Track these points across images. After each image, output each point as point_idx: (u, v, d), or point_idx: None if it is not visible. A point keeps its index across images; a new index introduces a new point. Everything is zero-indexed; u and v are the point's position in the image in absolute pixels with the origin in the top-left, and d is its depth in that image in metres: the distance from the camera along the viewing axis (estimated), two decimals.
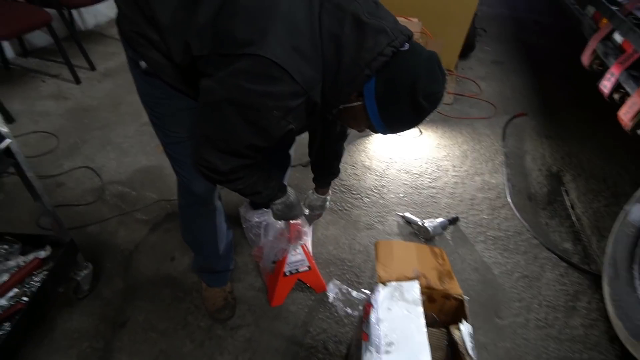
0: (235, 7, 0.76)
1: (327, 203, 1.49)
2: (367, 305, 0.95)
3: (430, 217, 1.83)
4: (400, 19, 2.46)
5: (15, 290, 1.11)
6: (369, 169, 2.14)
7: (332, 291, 1.28)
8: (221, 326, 1.35)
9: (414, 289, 0.95)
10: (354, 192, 1.97)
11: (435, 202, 1.97)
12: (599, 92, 1.87)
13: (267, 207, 1.17)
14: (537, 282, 1.64)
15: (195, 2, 0.79)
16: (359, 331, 1.03)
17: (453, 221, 1.84)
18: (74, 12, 3.04)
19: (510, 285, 1.62)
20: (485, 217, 1.93)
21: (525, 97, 3.02)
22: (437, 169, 2.19)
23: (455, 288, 1.01)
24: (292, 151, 1.44)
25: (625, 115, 1.58)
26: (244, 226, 1.58)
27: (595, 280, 1.65)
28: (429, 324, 0.94)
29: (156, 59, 0.87)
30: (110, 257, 1.53)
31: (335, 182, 2.01)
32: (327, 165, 1.36)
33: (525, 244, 1.80)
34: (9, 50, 2.65)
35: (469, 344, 0.90)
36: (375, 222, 1.82)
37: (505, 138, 2.50)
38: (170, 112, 0.98)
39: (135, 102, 1.03)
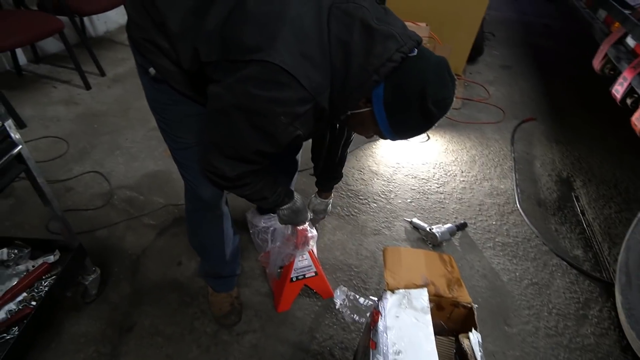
0: (243, 13, 0.76)
1: (330, 207, 1.49)
2: (375, 313, 0.94)
3: (438, 223, 1.81)
4: (408, 24, 2.46)
5: (24, 294, 1.12)
6: (376, 173, 2.13)
7: (339, 297, 1.26)
8: (227, 331, 1.35)
9: (422, 297, 0.94)
10: (361, 197, 1.96)
11: (443, 207, 1.96)
12: (609, 97, 1.85)
13: (273, 212, 1.17)
14: (546, 289, 1.61)
15: (205, 9, 0.79)
16: (366, 338, 1.02)
17: (461, 227, 1.82)
18: (85, 19, 3.09)
19: (519, 292, 1.59)
20: (494, 223, 1.90)
21: (534, 102, 2.99)
22: (445, 174, 2.18)
23: (464, 296, 0.99)
24: (298, 156, 1.44)
25: (639, 120, 1.56)
26: (250, 231, 1.59)
27: (606, 288, 1.61)
28: (437, 332, 0.93)
29: (165, 65, 0.87)
30: (118, 262, 1.53)
31: (342, 187, 2.01)
32: (331, 169, 1.35)
33: (535, 251, 1.78)
34: (21, 57, 2.70)
35: (478, 354, 0.89)
36: (383, 227, 1.81)
37: (514, 143, 2.48)
38: (178, 118, 0.99)
39: (144, 108, 1.04)
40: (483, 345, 0.92)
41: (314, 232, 1.27)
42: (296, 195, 1.13)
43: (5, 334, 1.03)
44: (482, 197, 2.04)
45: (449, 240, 1.77)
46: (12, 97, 2.35)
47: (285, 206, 1.10)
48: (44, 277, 1.18)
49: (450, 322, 1.04)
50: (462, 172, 2.21)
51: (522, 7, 5.29)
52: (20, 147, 0.94)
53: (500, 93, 3.06)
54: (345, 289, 1.39)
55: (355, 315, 1.30)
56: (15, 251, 1.20)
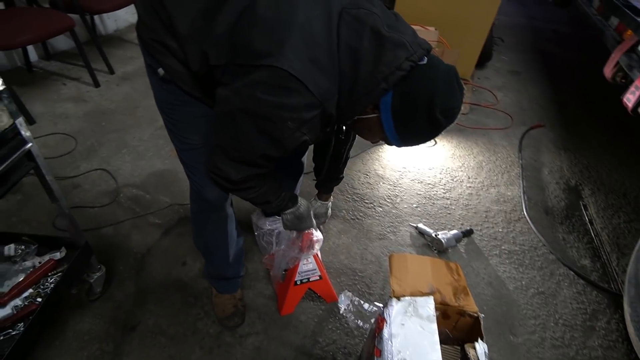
0: (253, 17, 0.76)
1: (330, 210, 1.48)
2: (380, 320, 0.93)
3: (443, 229, 1.80)
4: (417, 28, 2.46)
5: (30, 290, 1.13)
6: (382, 178, 2.12)
7: (344, 302, 1.26)
8: (230, 333, 1.34)
9: (428, 305, 0.93)
10: (366, 201, 1.95)
11: (449, 213, 1.94)
12: (620, 105, 1.83)
13: (278, 215, 1.16)
14: (553, 299, 1.59)
15: (214, 12, 0.79)
16: (370, 345, 1.01)
17: (467, 234, 1.80)
18: (96, 17, 3.11)
19: (525, 301, 1.57)
20: (500, 230, 1.89)
21: (543, 108, 2.96)
22: (452, 180, 2.16)
23: (470, 305, 0.98)
24: (304, 159, 1.44)
25: None
26: (255, 233, 1.58)
27: (615, 299, 1.59)
28: (442, 341, 0.92)
29: (174, 66, 0.88)
30: (123, 260, 1.54)
31: (348, 190, 2.00)
32: (334, 170, 1.35)
33: (542, 259, 1.76)
34: (32, 54, 2.73)
35: None
36: (388, 232, 1.80)
37: (522, 150, 2.46)
38: (185, 119, 0.99)
39: (152, 106, 1.05)
40: (488, 354, 0.91)
41: (320, 235, 1.26)
42: (300, 201, 1.13)
43: (10, 330, 1.04)
44: (488, 204, 2.03)
45: (454, 247, 1.76)
46: (22, 93, 2.38)
47: (288, 211, 1.10)
48: (50, 274, 1.18)
49: (456, 331, 1.03)
50: (469, 178, 2.20)
51: (531, 12, 5.25)
52: (30, 144, 0.94)
53: (508, 99, 3.04)
54: (349, 294, 1.39)
55: (359, 320, 1.29)
56: (22, 247, 1.20)
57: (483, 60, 3.35)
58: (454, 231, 1.76)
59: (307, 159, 1.43)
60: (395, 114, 0.80)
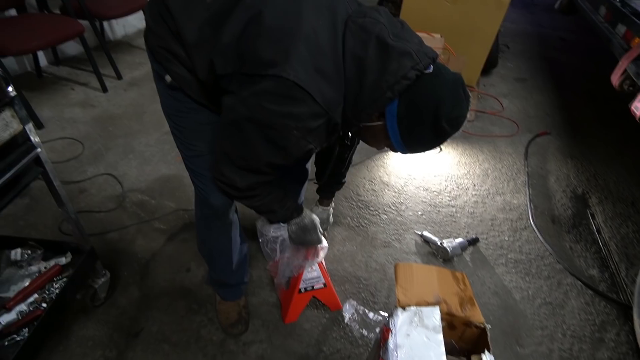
0: (259, 27, 0.76)
1: (331, 217, 1.47)
2: (386, 330, 0.92)
3: (449, 237, 1.79)
4: (423, 35, 2.46)
5: (35, 295, 1.13)
6: (387, 185, 2.11)
7: (348, 311, 1.25)
8: (234, 341, 1.34)
9: (434, 315, 0.92)
10: (371, 208, 1.95)
11: (454, 221, 1.93)
12: (628, 113, 1.81)
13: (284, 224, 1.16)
14: (561, 309, 1.57)
15: (221, 21, 0.80)
16: (375, 355, 1.00)
17: (473, 242, 1.79)
18: (105, 22, 3.15)
19: (532, 311, 1.55)
20: (506, 238, 1.87)
21: (549, 116, 2.95)
22: (457, 187, 2.15)
23: (477, 316, 0.97)
24: (308, 165, 1.44)
25: None
26: (259, 240, 1.57)
27: (624, 310, 1.57)
28: (448, 352, 0.91)
29: (181, 73, 0.88)
30: (128, 266, 1.54)
31: (353, 197, 1.99)
32: (337, 174, 1.34)
33: (549, 269, 1.74)
34: (42, 59, 2.77)
35: None
36: (393, 239, 1.79)
37: (528, 157, 2.44)
38: (192, 126, 0.99)
39: (158, 112, 1.05)
40: None
41: (325, 243, 1.26)
42: (306, 212, 1.12)
43: (15, 335, 1.04)
44: (494, 212, 2.01)
45: (460, 255, 1.74)
46: (31, 97, 2.41)
47: (293, 221, 1.10)
48: (55, 279, 1.18)
49: (462, 341, 1.02)
50: (475, 185, 2.18)
51: (537, 19, 5.25)
52: (39, 150, 0.95)
53: (514, 106, 3.03)
54: (354, 302, 1.38)
55: (363, 329, 1.28)
56: (29, 252, 1.21)
57: (489, 67, 3.35)
58: (460, 239, 1.75)
59: (310, 164, 1.43)
60: (400, 122, 0.80)
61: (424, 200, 2.04)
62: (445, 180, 2.19)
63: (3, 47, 1.95)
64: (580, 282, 1.68)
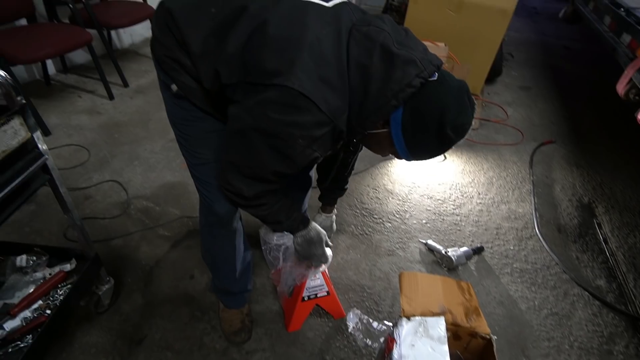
0: (264, 37, 0.77)
1: (335, 224, 1.47)
2: (390, 340, 0.91)
3: (453, 246, 1.77)
4: (427, 44, 2.47)
5: (40, 302, 1.13)
6: (391, 193, 2.11)
7: (352, 320, 1.24)
8: (237, 349, 1.33)
9: (439, 326, 0.91)
10: (375, 216, 1.94)
11: (459, 230, 1.92)
12: (634, 122, 1.80)
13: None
14: (567, 320, 1.55)
15: (226, 31, 0.81)
16: None
17: (477, 251, 1.78)
18: (112, 32, 3.20)
19: (538, 322, 1.53)
20: (512, 248, 1.85)
21: (554, 124, 2.94)
22: (462, 196, 2.14)
23: (482, 326, 0.96)
24: (312, 172, 1.44)
25: None
26: (262, 247, 1.58)
27: (633, 322, 1.54)
28: None
29: (187, 82, 0.89)
30: (131, 272, 1.54)
31: (357, 205, 1.99)
32: (340, 180, 1.34)
33: (555, 279, 1.72)
34: (50, 67, 2.81)
35: None
36: (397, 248, 1.78)
37: (533, 166, 2.43)
38: (197, 134, 1.00)
39: (164, 119, 1.06)
40: None
41: (329, 252, 1.25)
42: (312, 225, 1.12)
43: (19, 342, 1.04)
44: (499, 221, 2.00)
45: (464, 264, 1.73)
46: (39, 105, 2.44)
47: (299, 234, 1.10)
48: (59, 286, 1.19)
49: (467, 352, 1.01)
50: (479, 194, 2.17)
51: (541, 28, 5.26)
52: (46, 157, 0.96)
53: (518, 114, 3.02)
54: (358, 312, 1.37)
55: (367, 339, 1.27)
56: (34, 258, 1.21)
57: (493, 76, 3.35)
58: (464, 248, 1.73)
59: (313, 171, 1.43)
60: (405, 130, 0.80)
61: (429, 208, 2.03)
62: (450, 189, 2.18)
63: (13, 55, 1.98)
64: (587, 293, 1.66)
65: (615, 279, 1.73)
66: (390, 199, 2.07)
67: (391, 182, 2.18)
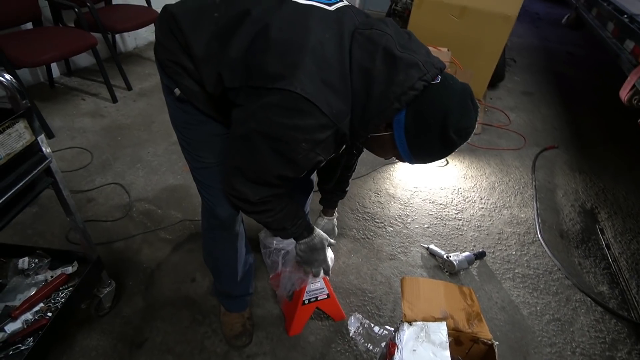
0: (266, 41, 0.78)
1: (336, 228, 1.47)
2: (392, 345, 0.91)
3: (455, 251, 1.77)
4: (430, 49, 2.48)
5: (41, 304, 1.13)
6: (393, 197, 2.11)
7: (354, 325, 1.24)
8: (237, 353, 1.33)
9: (441, 331, 0.91)
10: (377, 220, 1.94)
11: (461, 234, 1.91)
12: (637, 128, 1.80)
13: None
14: (570, 326, 1.54)
15: (229, 35, 0.81)
16: None
17: (479, 256, 1.77)
18: (117, 35, 3.22)
19: (540, 328, 1.52)
20: (514, 253, 1.85)
21: (557, 130, 2.94)
22: (464, 200, 2.14)
23: (484, 332, 0.96)
24: (313, 175, 1.44)
25: None
26: (262, 251, 1.58)
27: (635, 329, 1.53)
28: None
29: (190, 86, 0.90)
30: (133, 275, 1.54)
31: (358, 209, 1.99)
32: (342, 181, 1.33)
33: (557, 285, 1.71)
34: (55, 70, 2.83)
35: None
36: (398, 252, 1.78)
37: (535, 171, 2.43)
38: (200, 138, 1.00)
39: (167, 122, 1.07)
40: None
41: (330, 254, 1.25)
42: (316, 232, 1.12)
43: (20, 345, 1.04)
44: (501, 226, 1.99)
45: (466, 269, 1.72)
46: (43, 107, 2.45)
47: (303, 241, 1.10)
48: (61, 288, 1.19)
49: (469, 358, 1.00)
50: (481, 198, 2.17)
51: (544, 34, 5.27)
52: (50, 160, 0.97)
53: (521, 119, 3.02)
54: (359, 316, 1.37)
55: (369, 344, 1.27)
56: (36, 260, 1.22)
57: (496, 81, 3.36)
58: (466, 253, 1.73)
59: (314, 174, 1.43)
60: (408, 133, 0.80)
61: (430, 213, 2.03)
62: (452, 193, 2.18)
63: (19, 59, 2.00)
64: (589, 299, 1.65)
65: (617, 285, 1.72)
66: (392, 203, 2.07)
67: (393, 186, 2.18)
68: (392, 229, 1.90)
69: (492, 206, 2.12)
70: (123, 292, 1.47)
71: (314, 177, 1.44)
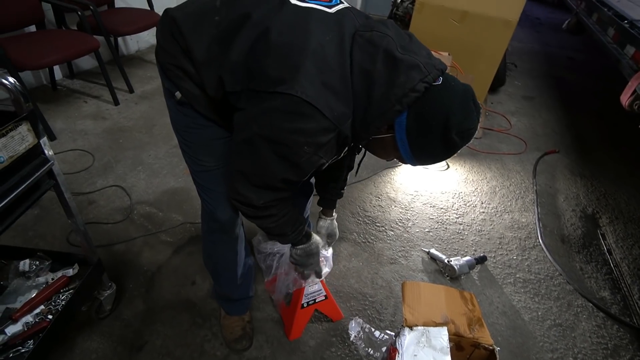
0: (267, 45, 0.78)
1: (337, 229, 1.47)
2: (392, 350, 0.91)
3: (456, 255, 1.77)
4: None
5: (42, 307, 1.13)
6: (394, 201, 2.11)
7: (354, 329, 1.23)
8: (237, 357, 1.32)
9: (442, 336, 0.91)
10: (378, 224, 1.94)
11: (462, 239, 1.91)
12: (637, 133, 1.80)
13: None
14: (571, 332, 1.53)
15: (229, 39, 0.81)
16: None
17: (480, 260, 1.77)
18: (119, 38, 3.24)
19: (541, 333, 1.52)
20: (515, 257, 1.84)
21: (558, 134, 2.94)
22: (465, 205, 2.14)
23: (485, 337, 0.95)
24: (313, 179, 1.44)
25: None
26: (257, 256, 1.58)
27: (637, 335, 1.53)
28: None
29: (191, 90, 0.90)
30: (133, 278, 1.54)
31: (359, 213, 1.99)
32: (340, 178, 1.33)
33: (558, 290, 1.70)
34: (57, 73, 2.84)
35: None
36: (399, 256, 1.78)
37: (536, 175, 2.43)
38: (201, 141, 1.00)
39: (168, 125, 1.07)
40: None
41: (329, 252, 1.25)
42: (314, 239, 1.13)
43: (20, 347, 1.04)
44: (502, 230, 1.99)
45: (467, 274, 1.72)
46: (45, 110, 2.47)
47: (300, 246, 1.10)
48: (62, 291, 1.19)
49: None
50: (482, 203, 2.17)
51: (545, 39, 5.29)
52: (52, 163, 0.97)
53: (522, 124, 3.02)
54: (360, 320, 1.36)
55: (369, 348, 1.26)
56: (37, 263, 1.22)
57: (496, 85, 3.37)
58: (467, 258, 1.73)
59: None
60: (410, 134, 0.80)
61: (431, 217, 2.03)
62: (453, 198, 2.18)
63: (22, 62, 2.01)
64: (591, 304, 1.64)
65: (619, 291, 1.71)
66: (393, 207, 2.06)
67: (394, 190, 2.18)
68: (392, 233, 1.90)
69: (493, 210, 2.12)
70: (123, 295, 1.47)
71: (313, 179, 1.44)
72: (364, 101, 0.79)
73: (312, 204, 1.53)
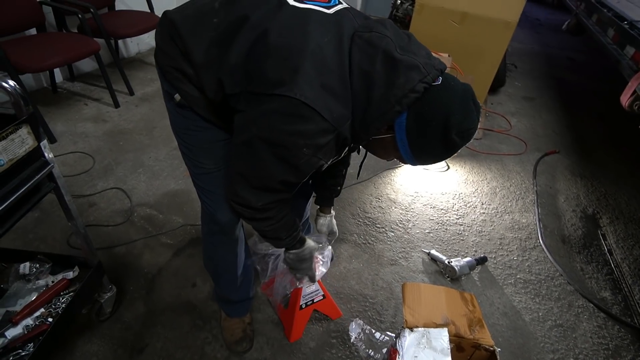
0: (266, 47, 0.78)
1: (336, 227, 1.47)
2: (393, 351, 0.91)
3: (456, 256, 1.77)
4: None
5: (42, 310, 1.13)
6: (394, 202, 2.11)
7: (354, 331, 1.23)
8: (238, 359, 1.32)
9: (442, 337, 0.91)
10: (378, 225, 1.94)
11: (462, 239, 1.91)
12: (637, 133, 1.80)
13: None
14: (572, 332, 1.53)
15: (228, 42, 0.81)
16: None
17: (481, 261, 1.76)
18: (119, 41, 3.24)
19: (542, 334, 1.51)
20: (515, 258, 1.84)
21: (558, 135, 2.94)
22: (465, 205, 2.14)
23: (486, 338, 0.95)
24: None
25: None
26: (252, 259, 1.57)
27: (639, 335, 1.52)
28: None
29: (190, 92, 0.90)
30: (134, 280, 1.54)
31: (360, 214, 1.99)
32: (338, 175, 1.34)
33: (559, 290, 1.70)
34: (58, 75, 2.85)
35: None
36: (400, 257, 1.77)
37: (537, 176, 2.42)
38: (200, 144, 1.01)
39: (168, 127, 1.07)
40: None
41: (328, 251, 1.25)
42: (307, 245, 1.13)
43: (20, 350, 1.04)
44: (502, 231, 1.99)
45: (467, 275, 1.72)
46: (46, 112, 2.47)
47: (293, 251, 1.11)
48: (62, 293, 1.19)
49: None
50: (482, 203, 2.17)
51: (545, 39, 5.29)
52: (52, 165, 0.97)
53: (522, 125, 3.02)
54: (360, 322, 1.36)
55: (370, 350, 1.26)
56: (37, 265, 1.22)
57: (496, 86, 3.37)
58: (468, 258, 1.73)
59: None
60: (410, 135, 0.80)
61: (432, 218, 2.02)
62: (453, 198, 2.18)
63: (22, 64, 2.01)
64: (592, 305, 1.64)
65: (620, 291, 1.71)
66: (393, 208, 2.06)
67: (394, 191, 2.18)
68: (393, 234, 1.90)
69: (493, 211, 2.12)
70: (124, 297, 1.47)
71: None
72: (364, 102, 0.79)
73: (312, 205, 1.53)
